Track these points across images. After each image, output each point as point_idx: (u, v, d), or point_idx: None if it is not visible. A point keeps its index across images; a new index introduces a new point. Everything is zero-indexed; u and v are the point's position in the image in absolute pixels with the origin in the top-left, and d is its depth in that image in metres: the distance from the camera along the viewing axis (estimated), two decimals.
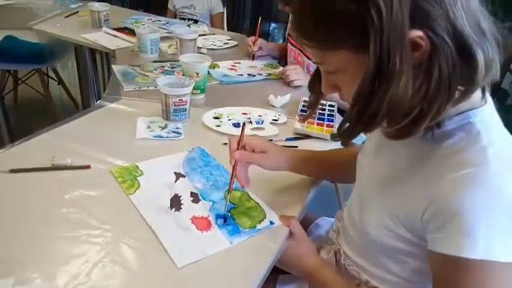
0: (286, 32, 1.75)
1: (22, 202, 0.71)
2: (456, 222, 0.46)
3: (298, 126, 1.03)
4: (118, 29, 1.79)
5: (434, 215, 0.49)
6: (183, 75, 1.18)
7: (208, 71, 1.25)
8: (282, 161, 0.78)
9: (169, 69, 1.42)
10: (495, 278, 0.46)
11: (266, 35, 3.24)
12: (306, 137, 1.02)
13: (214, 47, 1.73)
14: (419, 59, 0.45)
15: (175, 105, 1.01)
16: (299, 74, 1.35)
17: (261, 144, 0.76)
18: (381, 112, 0.46)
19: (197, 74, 1.16)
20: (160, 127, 1.01)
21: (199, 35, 1.66)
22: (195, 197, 0.76)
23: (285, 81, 1.37)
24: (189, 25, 2.07)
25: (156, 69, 1.40)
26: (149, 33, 1.51)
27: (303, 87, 1.33)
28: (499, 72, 0.48)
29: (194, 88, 1.08)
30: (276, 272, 0.74)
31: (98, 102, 1.14)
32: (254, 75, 1.44)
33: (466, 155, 0.48)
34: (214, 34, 1.95)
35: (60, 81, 2.65)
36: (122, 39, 1.70)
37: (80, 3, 2.23)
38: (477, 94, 0.51)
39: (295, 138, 1.01)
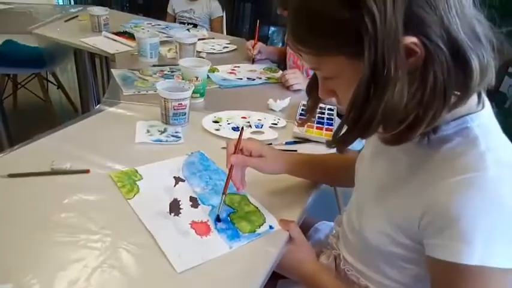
0: (285, 36, 1.75)
1: (21, 207, 0.71)
2: (454, 228, 0.46)
3: (297, 130, 1.03)
4: (117, 33, 1.80)
5: (432, 221, 0.49)
6: (183, 79, 1.18)
7: (208, 75, 1.26)
8: (279, 165, 0.78)
9: (169, 73, 1.42)
10: (493, 284, 0.46)
11: (265, 39, 3.25)
12: (306, 140, 1.02)
13: (214, 51, 1.74)
14: (414, 65, 0.45)
15: (174, 109, 1.01)
16: (298, 78, 1.35)
17: (258, 148, 0.76)
18: (376, 118, 0.46)
19: (196, 78, 1.17)
20: (159, 131, 1.01)
21: (199, 39, 1.66)
22: (194, 202, 0.76)
23: (285, 85, 1.37)
24: (188, 29, 2.07)
25: (155, 73, 1.40)
26: (149, 37, 1.51)
27: (302, 91, 1.33)
28: (494, 77, 0.48)
29: (193, 92, 1.09)
30: (275, 277, 0.74)
31: (97, 106, 1.14)
32: (253, 79, 1.44)
33: (464, 160, 0.48)
34: (213, 38, 1.95)
35: (60, 86, 2.65)
36: (122, 43, 1.71)
37: (80, 8, 2.24)
38: (474, 99, 0.51)
39: (295, 142, 1.01)
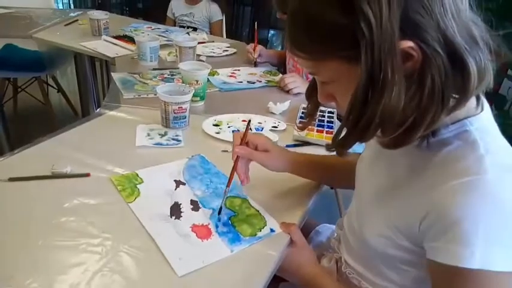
0: (285, 40, 1.76)
1: (21, 211, 0.71)
2: (454, 232, 0.46)
3: (297, 133, 1.03)
4: (117, 37, 1.80)
5: (432, 224, 0.49)
6: (183, 82, 1.18)
7: (208, 78, 1.26)
8: (283, 163, 0.78)
9: (169, 76, 1.42)
10: (494, 287, 0.46)
11: (265, 42, 3.27)
12: (306, 143, 1.02)
13: (214, 55, 1.74)
14: (412, 69, 0.45)
15: (174, 113, 1.01)
16: (296, 82, 1.36)
17: (264, 142, 0.76)
18: (374, 122, 0.46)
19: (197, 81, 1.17)
20: (160, 134, 1.01)
21: (199, 43, 1.67)
22: (195, 205, 0.76)
23: (284, 89, 1.37)
24: (188, 33, 2.08)
25: (155, 77, 1.40)
26: (148, 41, 1.52)
27: (302, 94, 1.33)
28: (492, 80, 0.48)
29: (194, 95, 1.09)
30: (277, 280, 0.73)
31: (97, 110, 1.14)
32: (253, 82, 1.45)
33: (464, 163, 0.48)
34: (213, 41, 1.96)
35: (60, 89, 2.66)
36: (122, 47, 1.71)
37: (80, 12, 2.25)
38: (473, 102, 0.51)
39: (295, 145, 1.01)
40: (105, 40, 1.77)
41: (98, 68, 2.39)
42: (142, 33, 1.94)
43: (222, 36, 2.51)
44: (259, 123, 1.11)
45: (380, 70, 0.44)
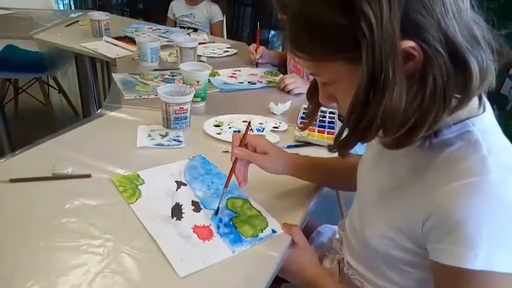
0: (285, 40, 1.76)
1: (22, 212, 0.71)
2: (457, 233, 0.46)
3: (298, 133, 1.03)
4: (118, 38, 1.80)
5: (435, 225, 0.49)
6: (184, 83, 1.18)
7: (209, 79, 1.26)
8: (282, 165, 0.78)
9: (170, 77, 1.42)
10: None
11: (266, 43, 3.26)
12: (307, 144, 1.02)
13: (214, 55, 1.74)
14: (413, 69, 0.45)
15: (175, 114, 1.01)
16: (296, 82, 1.36)
17: (263, 145, 0.76)
18: (375, 122, 0.46)
19: (197, 82, 1.17)
20: (161, 135, 1.01)
21: (199, 43, 1.67)
22: (197, 206, 0.76)
23: (285, 90, 1.37)
24: (189, 33, 2.08)
25: (156, 78, 1.40)
26: (149, 41, 1.51)
27: (303, 94, 1.33)
28: (494, 80, 0.48)
29: (194, 96, 1.09)
30: (278, 281, 0.73)
31: (98, 110, 1.14)
32: (254, 83, 1.45)
33: (466, 164, 0.48)
34: (214, 42, 1.96)
35: (61, 90, 2.66)
36: (122, 47, 1.71)
37: (80, 13, 2.25)
38: (475, 102, 0.51)
39: (296, 146, 1.01)
40: (106, 41, 1.77)
41: (98, 68, 2.39)
42: (143, 34, 1.94)
43: (222, 36, 2.51)
44: (260, 123, 1.11)
45: (381, 70, 0.43)
